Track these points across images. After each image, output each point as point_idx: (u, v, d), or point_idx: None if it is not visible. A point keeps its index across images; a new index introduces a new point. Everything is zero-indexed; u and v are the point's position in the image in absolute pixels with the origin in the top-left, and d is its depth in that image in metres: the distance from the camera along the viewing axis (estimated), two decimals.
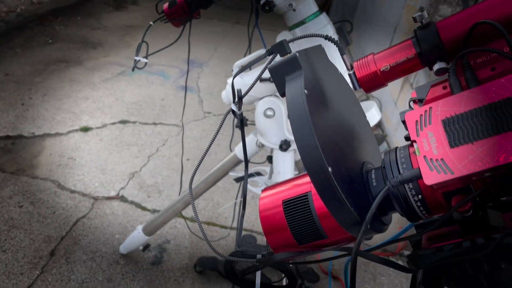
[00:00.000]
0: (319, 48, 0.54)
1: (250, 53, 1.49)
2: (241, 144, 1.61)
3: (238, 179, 1.67)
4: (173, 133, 2.93)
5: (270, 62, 0.51)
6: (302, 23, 1.31)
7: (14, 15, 3.94)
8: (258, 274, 0.61)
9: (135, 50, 1.50)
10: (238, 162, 1.62)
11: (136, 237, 1.87)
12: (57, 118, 2.89)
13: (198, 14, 1.43)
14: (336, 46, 0.50)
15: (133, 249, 1.92)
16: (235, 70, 1.39)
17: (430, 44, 0.44)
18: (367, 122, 0.61)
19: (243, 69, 0.53)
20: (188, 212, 2.24)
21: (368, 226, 0.46)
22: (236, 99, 0.56)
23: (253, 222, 2.27)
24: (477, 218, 0.45)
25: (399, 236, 0.58)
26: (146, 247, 1.98)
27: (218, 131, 0.60)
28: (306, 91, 0.44)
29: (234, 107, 0.58)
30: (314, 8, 1.33)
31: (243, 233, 2.15)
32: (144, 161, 2.62)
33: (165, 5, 1.44)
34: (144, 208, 2.26)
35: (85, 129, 2.83)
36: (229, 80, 1.55)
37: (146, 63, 1.47)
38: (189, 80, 3.84)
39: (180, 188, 1.86)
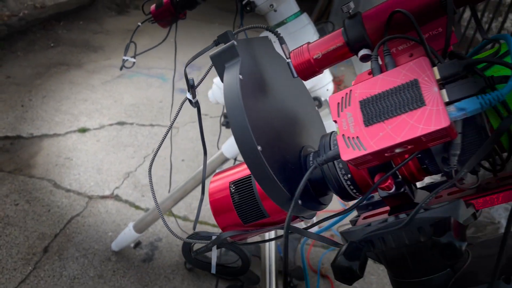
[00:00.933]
0: (265, 39, 0.58)
1: None
2: (227, 142, 1.65)
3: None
4: (169, 134, 2.97)
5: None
6: (283, 23, 1.34)
7: (17, 19, 4.01)
8: (214, 254, 0.65)
9: (128, 47, 1.55)
10: (225, 160, 1.65)
11: (127, 234, 1.91)
12: (55, 119, 2.94)
13: (184, 15, 1.47)
14: (276, 37, 0.53)
15: (124, 246, 1.96)
16: None
17: (356, 33, 0.48)
18: (315, 109, 0.64)
19: (192, 59, 0.57)
20: (180, 211, 2.27)
21: (299, 202, 0.49)
22: (190, 88, 0.59)
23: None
24: (402, 196, 0.48)
25: (342, 219, 0.61)
26: (137, 244, 2.02)
27: (175, 119, 0.64)
28: (241, 76, 0.48)
29: (189, 96, 0.61)
30: (295, 8, 1.36)
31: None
32: (140, 161, 2.66)
33: (152, 6, 1.49)
34: (137, 207, 2.29)
35: (83, 130, 2.88)
36: (215, 80, 1.59)
37: (134, 62, 1.51)
38: None
39: (170, 186, 1.90)
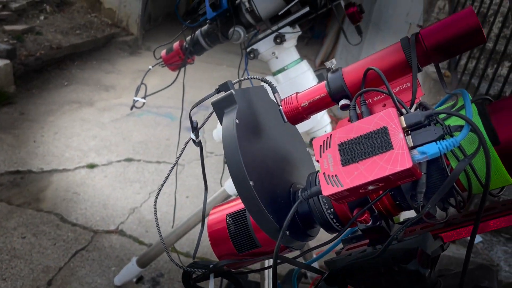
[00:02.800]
0: (261, 88, 0.66)
1: None
2: (230, 180, 1.71)
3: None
4: (175, 171, 3.04)
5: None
6: (283, 69, 1.44)
7: (33, 59, 4.20)
8: (212, 282, 0.70)
9: (139, 89, 1.65)
10: (228, 197, 1.71)
11: (130, 269, 1.94)
12: (65, 155, 3.04)
13: (192, 60, 1.58)
14: (270, 87, 0.61)
15: (127, 281, 1.98)
16: None
17: (337, 85, 0.55)
18: (306, 150, 0.71)
19: (196, 104, 0.65)
20: (183, 247, 2.31)
21: (287, 233, 0.55)
22: (193, 129, 0.67)
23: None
24: (378, 229, 0.54)
25: (329, 251, 0.66)
26: (140, 279, 2.04)
27: (179, 157, 0.71)
28: (237, 121, 0.55)
29: (192, 136, 0.69)
30: (296, 56, 1.46)
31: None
32: (145, 197, 2.72)
33: (163, 52, 1.60)
34: (141, 242, 2.33)
35: (91, 166, 2.96)
36: None
37: (144, 103, 1.61)
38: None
39: (173, 222, 1.95)
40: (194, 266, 0.68)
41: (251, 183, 0.52)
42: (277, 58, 1.43)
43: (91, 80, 4.56)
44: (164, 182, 0.71)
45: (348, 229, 0.64)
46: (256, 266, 1.56)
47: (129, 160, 3.13)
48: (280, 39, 1.37)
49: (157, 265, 2.15)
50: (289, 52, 1.43)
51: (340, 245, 0.66)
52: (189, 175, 3.01)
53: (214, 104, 0.58)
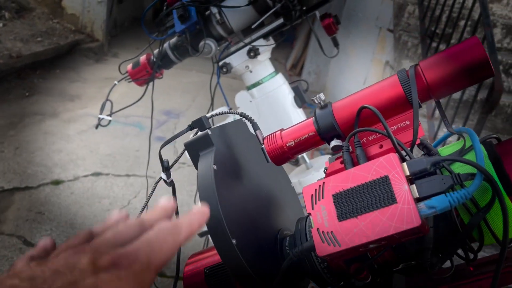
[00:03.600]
0: (239, 122, 0.59)
1: (213, 110, 1.54)
2: None
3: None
4: (145, 184, 2.92)
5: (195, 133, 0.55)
6: (258, 83, 1.37)
7: None
8: None
9: (105, 106, 1.55)
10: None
11: None
12: (28, 171, 2.87)
13: (160, 74, 1.49)
14: (250, 123, 0.54)
15: None
16: None
17: (326, 123, 0.49)
18: (292, 188, 0.65)
19: (166, 143, 0.57)
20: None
21: None
22: (164, 169, 0.59)
23: None
24: (378, 284, 0.48)
25: None
26: None
27: (150, 196, 0.63)
28: (215, 167, 0.48)
29: (163, 176, 0.61)
30: (271, 69, 1.40)
31: None
32: None
33: (129, 66, 1.50)
34: None
35: (56, 183, 2.81)
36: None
37: (110, 120, 1.51)
38: (165, 131, 3.89)
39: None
40: None
41: (234, 241, 0.45)
42: (251, 72, 1.37)
43: (55, 90, 4.36)
44: (147, 203, 0.63)
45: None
46: None
47: (96, 174, 3.00)
48: (254, 53, 1.31)
49: None
50: (263, 65, 1.37)
51: None
52: (161, 188, 2.89)
53: (187, 145, 0.51)
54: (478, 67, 0.43)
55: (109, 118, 1.51)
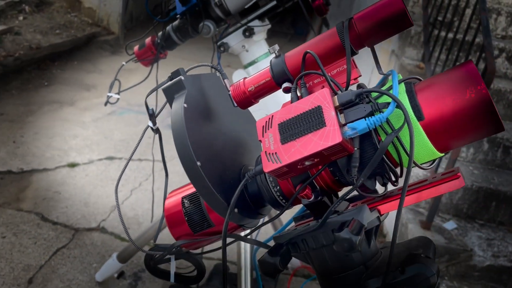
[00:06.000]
0: (213, 75, 0.68)
1: None
2: None
3: (119, 275, 1.79)
4: (156, 168, 3.05)
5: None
6: (254, 62, 1.47)
7: (12, 59, 4.16)
8: (173, 264, 0.73)
9: (113, 84, 1.67)
10: None
11: (110, 264, 1.95)
12: (46, 155, 3.03)
13: (164, 55, 1.60)
14: (219, 73, 0.64)
15: (108, 276, 2.00)
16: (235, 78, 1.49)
17: (279, 69, 0.58)
18: None
19: (151, 91, 0.67)
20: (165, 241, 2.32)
21: (236, 211, 0.58)
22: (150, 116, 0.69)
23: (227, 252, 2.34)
24: (321, 204, 0.57)
25: (286, 227, 0.69)
26: (121, 274, 2.06)
27: (136, 148, 0.73)
28: (185, 105, 0.58)
29: (150, 124, 0.71)
30: (266, 48, 1.49)
31: (218, 262, 2.22)
32: (127, 194, 2.73)
33: (136, 47, 1.62)
34: (123, 239, 2.34)
35: (72, 165, 2.96)
36: None
37: (118, 99, 1.62)
38: None
39: (152, 217, 1.97)
40: (155, 249, 0.70)
41: (198, 163, 0.55)
42: (247, 51, 1.46)
43: (72, 80, 4.53)
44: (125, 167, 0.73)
45: (301, 208, 0.68)
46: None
47: (110, 158, 3.13)
48: (249, 33, 1.40)
49: (138, 260, 2.16)
50: (259, 45, 1.46)
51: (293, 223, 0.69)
52: (171, 172, 3.01)
53: (164, 90, 0.61)
54: (397, 18, 0.52)
55: (117, 96, 1.62)
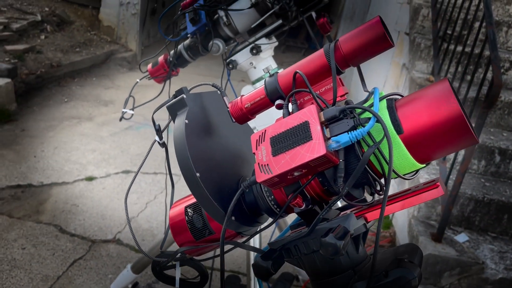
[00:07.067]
0: (214, 93, 0.74)
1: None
2: None
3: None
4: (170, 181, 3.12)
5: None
6: (262, 78, 1.52)
7: (34, 77, 4.32)
8: (178, 270, 0.77)
9: (128, 101, 1.74)
10: None
11: (125, 275, 2.01)
12: (65, 168, 3.13)
13: (176, 72, 1.67)
14: (219, 91, 0.69)
15: (122, 287, 2.05)
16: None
17: (272, 87, 0.63)
18: None
19: (158, 108, 0.73)
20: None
21: (233, 218, 0.63)
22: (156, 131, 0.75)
23: (240, 264, 2.38)
24: (312, 212, 0.61)
25: (284, 234, 0.73)
26: (135, 285, 2.10)
27: (145, 158, 0.79)
28: (186, 121, 0.63)
29: (157, 138, 0.77)
30: (273, 65, 1.55)
31: (228, 274, 2.26)
32: (142, 207, 2.80)
33: (149, 65, 1.69)
34: (138, 251, 2.40)
35: (90, 179, 3.05)
36: None
37: (132, 114, 1.69)
38: None
39: (165, 227, 2.02)
40: (161, 256, 0.75)
41: (198, 174, 0.60)
42: (255, 68, 1.52)
43: (91, 96, 4.67)
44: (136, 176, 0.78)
45: (297, 216, 0.72)
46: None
47: (127, 172, 3.22)
48: (256, 50, 1.46)
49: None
50: (266, 62, 1.52)
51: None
52: (184, 185, 3.07)
53: (168, 107, 0.66)
54: (378, 40, 0.56)
55: (131, 112, 1.69)
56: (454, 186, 2.01)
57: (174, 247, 0.84)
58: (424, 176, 2.34)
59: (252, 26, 1.40)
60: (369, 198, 0.62)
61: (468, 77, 2.42)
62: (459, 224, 2.34)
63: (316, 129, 0.54)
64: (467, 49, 2.43)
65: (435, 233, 2.18)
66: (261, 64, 1.52)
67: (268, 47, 1.50)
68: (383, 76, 3.91)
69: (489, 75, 2.10)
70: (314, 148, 0.53)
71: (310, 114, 0.56)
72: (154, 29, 7.06)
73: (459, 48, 2.52)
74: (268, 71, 0.64)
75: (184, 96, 0.65)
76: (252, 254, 1.61)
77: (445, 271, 2.09)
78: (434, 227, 2.25)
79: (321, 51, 0.61)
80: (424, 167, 0.58)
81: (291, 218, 0.73)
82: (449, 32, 2.67)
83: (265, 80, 0.64)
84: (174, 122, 0.66)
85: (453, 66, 2.55)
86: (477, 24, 2.42)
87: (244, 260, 2.39)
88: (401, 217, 2.56)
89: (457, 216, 2.32)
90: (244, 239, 0.70)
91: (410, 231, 2.33)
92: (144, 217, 2.70)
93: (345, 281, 0.60)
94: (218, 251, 0.76)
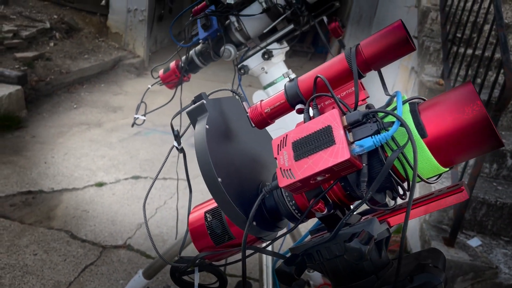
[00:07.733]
0: (233, 99, 0.74)
1: None
2: None
3: None
4: (181, 186, 3.12)
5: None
6: (273, 83, 1.52)
7: (44, 84, 4.36)
8: (196, 275, 0.77)
9: (139, 107, 1.75)
10: None
11: (136, 281, 2.00)
12: (75, 174, 3.14)
13: (188, 78, 1.68)
14: (238, 96, 0.69)
15: None
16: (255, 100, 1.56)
17: (292, 92, 0.63)
18: None
19: (176, 114, 0.73)
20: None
21: (254, 223, 0.63)
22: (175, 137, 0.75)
23: (250, 269, 2.37)
24: (334, 217, 0.61)
25: (304, 239, 0.73)
26: None
27: (163, 165, 0.79)
28: (207, 126, 0.63)
29: (175, 144, 0.77)
30: (284, 69, 1.55)
31: (240, 279, 2.25)
32: (152, 212, 2.81)
33: (161, 71, 1.70)
34: (148, 256, 2.40)
35: (100, 184, 3.06)
36: None
37: (144, 120, 1.70)
38: None
39: (176, 233, 2.02)
40: (179, 261, 0.75)
41: (219, 179, 0.60)
42: (266, 73, 1.52)
43: (99, 102, 4.70)
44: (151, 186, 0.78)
45: (316, 222, 0.72)
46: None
47: (136, 177, 3.23)
48: (267, 55, 1.46)
49: (163, 277, 2.21)
50: (277, 66, 1.52)
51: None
52: (195, 190, 3.07)
53: (188, 113, 0.67)
54: (400, 44, 0.56)
55: (143, 117, 1.70)
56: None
57: (186, 252, 0.84)
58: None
59: (264, 31, 1.40)
60: (390, 202, 0.62)
61: (478, 80, 2.41)
62: (472, 229, 2.32)
63: (339, 133, 0.54)
64: (478, 52, 2.42)
65: (447, 238, 2.16)
66: (273, 69, 1.52)
67: (280, 52, 1.50)
68: (392, 80, 3.90)
69: (500, 78, 2.09)
70: (338, 153, 0.53)
71: (332, 119, 0.55)
72: (161, 35, 7.10)
73: (469, 51, 2.51)
74: (288, 76, 0.64)
75: (204, 102, 0.65)
76: (265, 260, 1.61)
77: (459, 276, 2.07)
78: (446, 232, 2.23)
79: (341, 56, 0.61)
80: (448, 170, 0.58)
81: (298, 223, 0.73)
82: (458, 35, 2.66)
83: (285, 85, 0.64)
84: (194, 127, 0.66)
85: (462, 69, 2.54)
86: (486, 27, 2.41)
87: (254, 266, 2.38)
88: (412, 222, 2.54)
89: (470, 220, 2.30)
90: (263, 244, 0.70)
91: (422, 236, 2.31)
92: (154, 223, 2.70)
93: (368, 286, 0.59)
94: (230, 258, 0.77)
